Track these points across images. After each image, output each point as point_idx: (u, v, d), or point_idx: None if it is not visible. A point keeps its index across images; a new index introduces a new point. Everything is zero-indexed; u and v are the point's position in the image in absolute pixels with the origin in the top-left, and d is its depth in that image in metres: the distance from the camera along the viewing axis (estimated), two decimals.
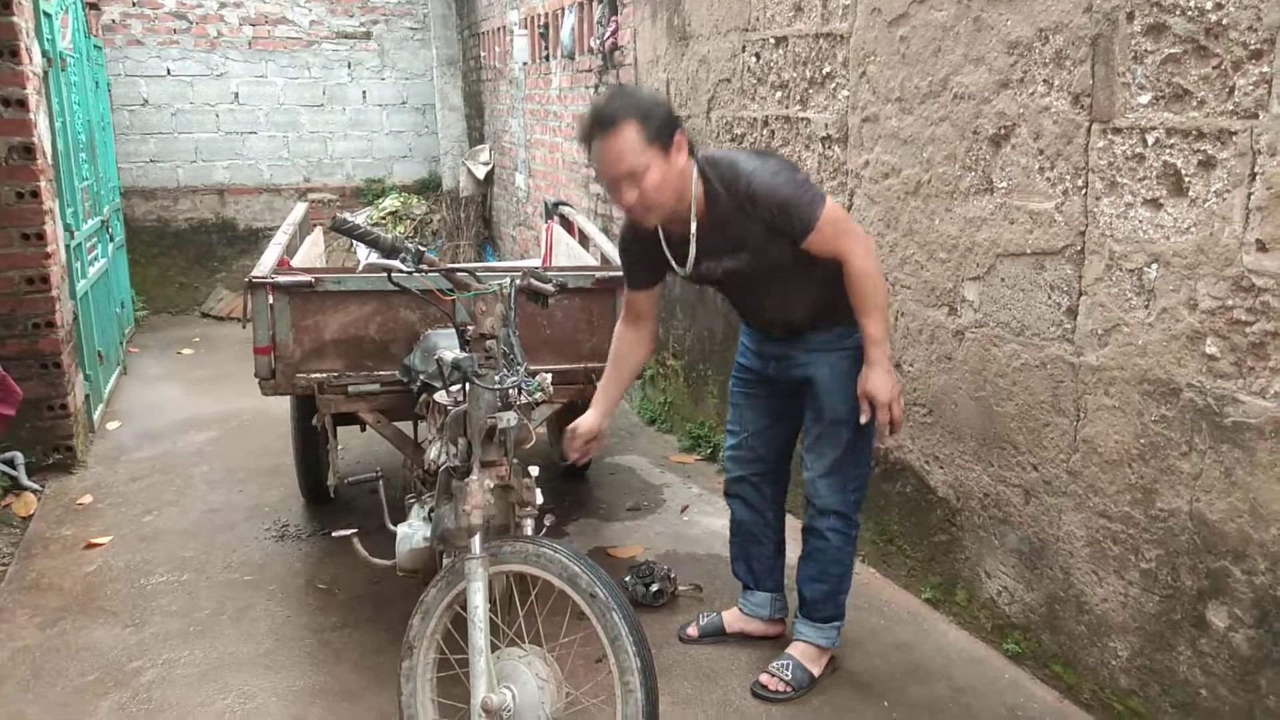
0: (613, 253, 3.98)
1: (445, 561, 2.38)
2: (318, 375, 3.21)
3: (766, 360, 2.76)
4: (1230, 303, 2.15)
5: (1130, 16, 2.28)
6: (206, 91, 8.68)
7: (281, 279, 3.16)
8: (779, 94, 3.78)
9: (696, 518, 3.99)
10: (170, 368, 6.62)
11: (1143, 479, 2.41)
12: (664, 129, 2.33)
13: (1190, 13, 2.14)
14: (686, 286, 4.74)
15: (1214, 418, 2.21)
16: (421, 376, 2.91)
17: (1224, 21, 2.07)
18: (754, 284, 2.59)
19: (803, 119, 3.64)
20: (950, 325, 3.01)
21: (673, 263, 2.58)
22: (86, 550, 3.74)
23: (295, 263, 3.96)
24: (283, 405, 4.12)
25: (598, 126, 2.32)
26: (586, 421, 2.68)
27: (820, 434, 2.69)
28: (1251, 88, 2.05)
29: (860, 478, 2.75)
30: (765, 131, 3.90)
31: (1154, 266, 2.31)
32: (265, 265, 3.41)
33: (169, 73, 8.56)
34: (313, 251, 4.72)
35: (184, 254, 8.75)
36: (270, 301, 3.16)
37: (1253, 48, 2.03)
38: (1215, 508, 2.23)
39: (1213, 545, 2.25)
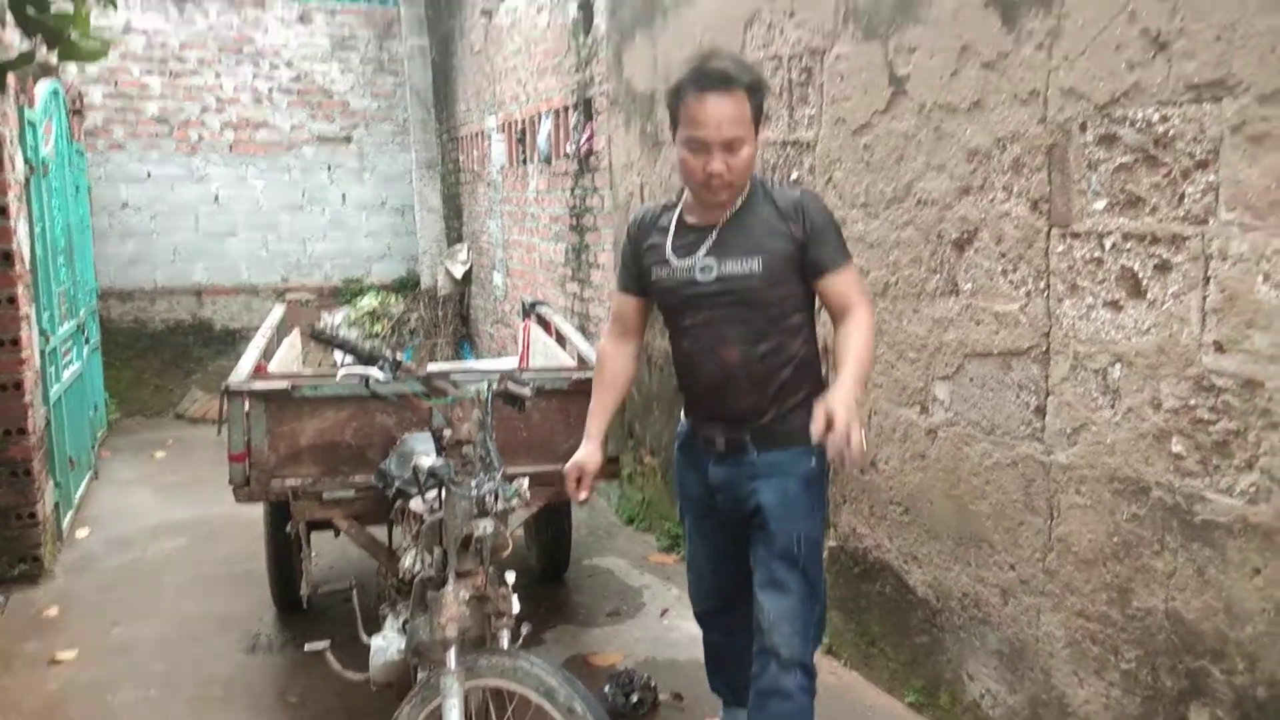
0: (590, 353, 4.02)
1: (420, 675, 2.33)
2: (292, 481, 3.19)
3: (712, 491, 2.49)
4: (1193, 402, 2.19)
5: (1083, 127, 2.38)
6: (186, 194, 8.78)
7: (258, 386, 3.16)
8: None
9: (677, 622, 3.94)
10: (143, 471, 6.54)
11: (1118, 578, 2.41)
12: (761, 111, 2.25)
13: (1139, 124, 2.24)
14: (665, 383, 4.78)
15: (1184, 516, 2.23)
16: (397, 482, 2.90)
17: (1170, 133, 2.17)
18: (739, 312, 2.32)
19: None
20: (923, 424, 3.04)
21: (670, 254, 2.36)
22: (51, 666, 3.64)
23: (272, 366, 3.97)
24: (256, 510, 4.07)
25: (712, 80, 2.18)
26: (590, 458, 2.48)
27: (774, 569, 2.38)
28: (1200, 195, 2.13)
29: (820, 618, 2.51)
30: None
31: (1117, 366, 2.36)
32: (242, 371, 3.42)
33: (149, 176, 8.68)
34: (290, 354, 4.73)
35: (160, 355, 8.73)
36: (246, 408, 3.15)
37: (1198, 158, 2.11)
38: (1191, 606, 2.24)
39: (1191, 645, 2.25)
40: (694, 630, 3.75)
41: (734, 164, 2.21)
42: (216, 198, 8.88)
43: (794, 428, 2.32)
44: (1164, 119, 2.18)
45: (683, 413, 2.58)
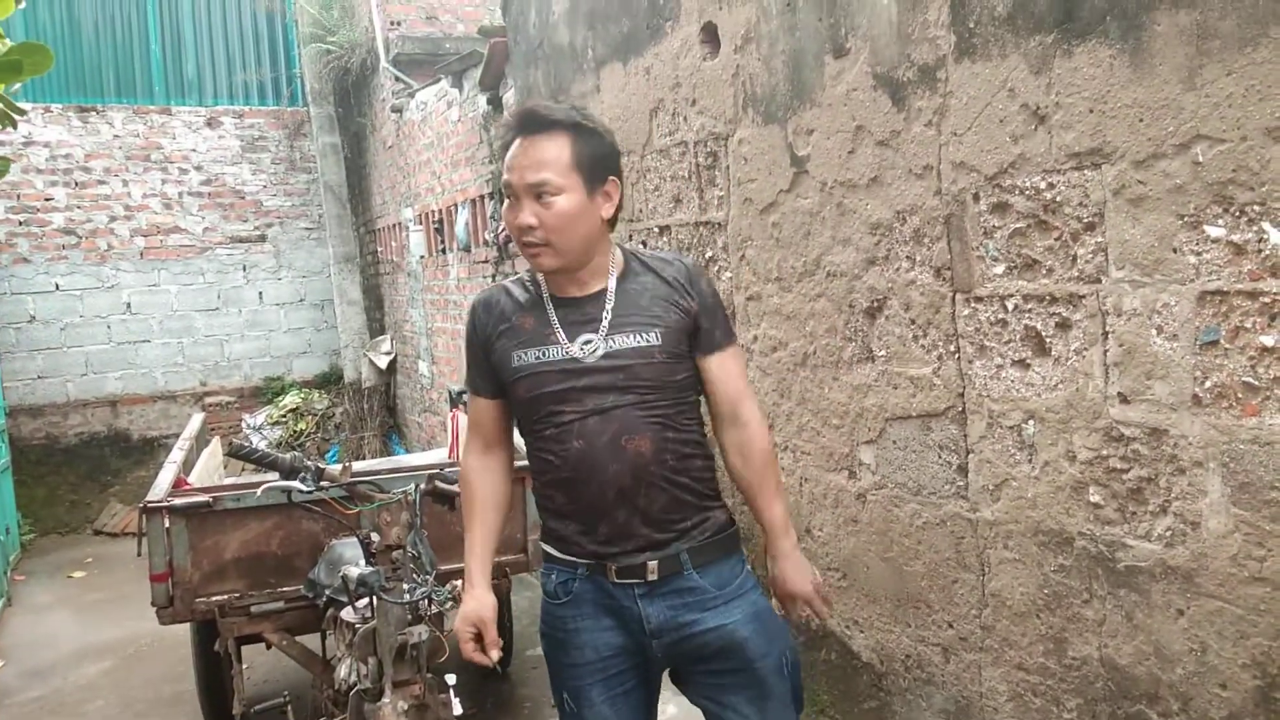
0: (520, 441, 4.00)
1: None
2: (218, 598, 3.10)
3: (649, 637, 1.97)
4: (1105, 452, 2.27)
5: (976, 197, 2.49)
6: (97, 304, 8.59)
7: (178, 502, 3.08)
8: None
9: None
10: (60, 594, 6.26)
11: (1052, 628, 2.46)
12: (599, 165, 1.92)
13: (1028, 192, 2.35)
14: None
15: (1108, 563, 2.30)
16: (327, 591, 2.83)
17: (1058, 199, 2.28)
18: (639, 395, 1.93)
19: None
20: (852, 488, 3.09)
21: (560, 333, 1.94)
22: None
23: (193, 478, 3.87)
24: (184, 627, 3.92)
25: (526, 125, 1.91)
26: (483, 608, 1.97)
27: (764, 705, 1.97)
28: (1091, 255, 2.23)
29: None
30: None
31: (1031, 423, 2.44)
32: (160, 487, 3.33)
33: (58, 288, 8.48)
34: (211, 463, 4.62)
35: (74, 470, 8.43)
36: (166, 525, 3.06)
37: (1086, 220, 2.23)
38: (1123, 652, 2.29)
39: (1127, 690, 2.29)
40: None
41: (546, 217, 1.86)
42: (129, 305, 8.70)
43: (723, 530, 2.02)
44: (1051, 186, 2.29)
45: (554, 550, 2.03)
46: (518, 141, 1.91)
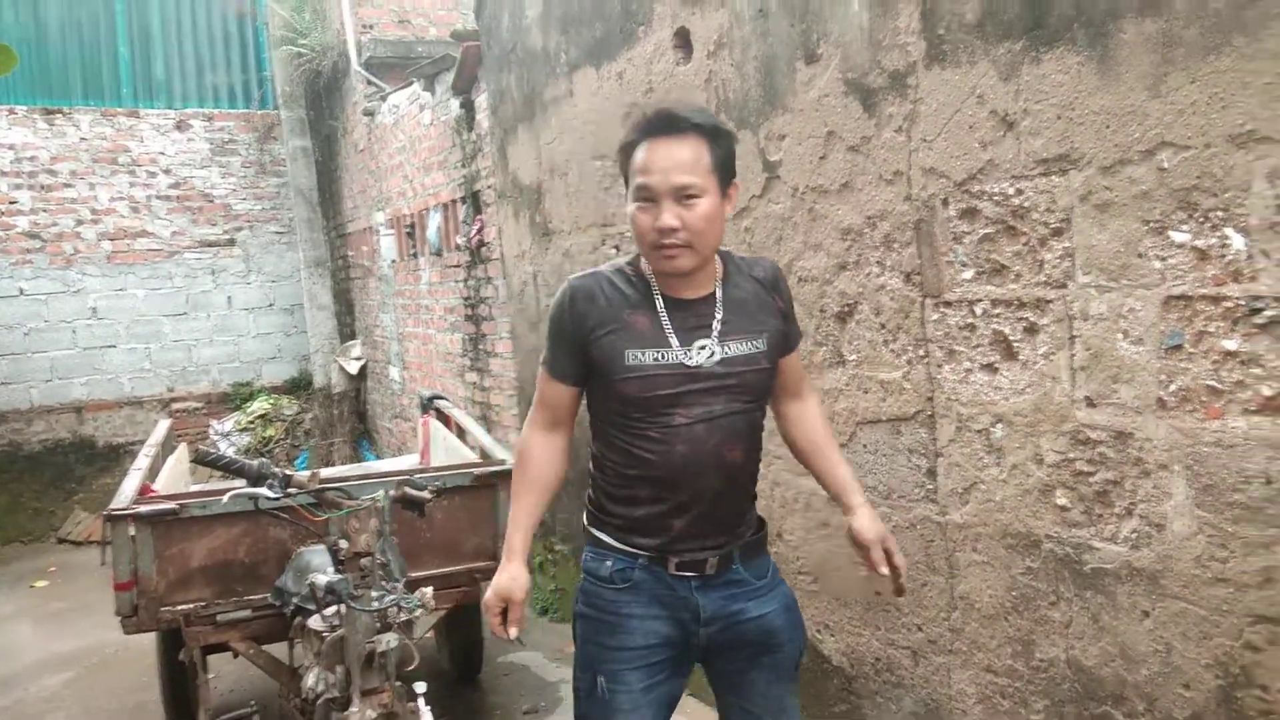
0: (492, 445, 3.98)
1: None
2: (184, 607, 3.05)
3: (695, 625, 2.02)
4: (1072, 456, 2.29)
5: (945, 202, 2.50)
6: (62, 309, 8.47)
7: (143, 509, 3.03)
8: None
9: None
10: (23, 603, 6.16)
11: (1020, 630, 2.48)
12: (728, 169, 1.94)
13: (996, 197, 2.37)
14: (574, 465, 4.74)
15: (1074, 566, 2.32)
16: (295, 599, 2.80)
17: (1026, 205, 2.30)
18: (743, 403, 1.99)
19: None
20: (823, 493, 3.09)
21: (675, 336, 1.94)
22: None
23: (159, 485, 3.82)
24: (149, 636, 3.87)
25: (664, 125, 1.88)
26: (516, 584, 1.97)
27: (784, 702, 2.08)
28: (1058, 260, 2.25)
29: None
30: None
31: (999, 426, 2.45)
32: (125, 495, 3.27)
33: (22, 292, 8.35)
34: (178, 470, 4.55)
35: (38, 477, 8.30)
36: (131, 533, 3.02)
37: (1053, 226, 2.25)
38: (1089, 654, 2.31)
39: (1093, 691, 2.31)
40: None
41: (690, 219, 1.86)
42: (95, 310, 8.58)
43: (762, 527, 2.13)
44: (1019, 192, 2.31)
45: (610, 538, 2.06)
46: (649, 143, 1.89)
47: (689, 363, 1.93)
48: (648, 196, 1.88)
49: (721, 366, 1.94)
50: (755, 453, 2.05)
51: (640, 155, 1.90)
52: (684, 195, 1.86)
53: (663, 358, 1.93)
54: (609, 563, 2.03)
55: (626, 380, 1.93)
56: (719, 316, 1.96)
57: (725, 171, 1.93)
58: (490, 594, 1.99)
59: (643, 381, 1.92)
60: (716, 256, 2.01)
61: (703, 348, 1.93)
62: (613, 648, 2.00)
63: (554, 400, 2.06)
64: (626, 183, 1.97)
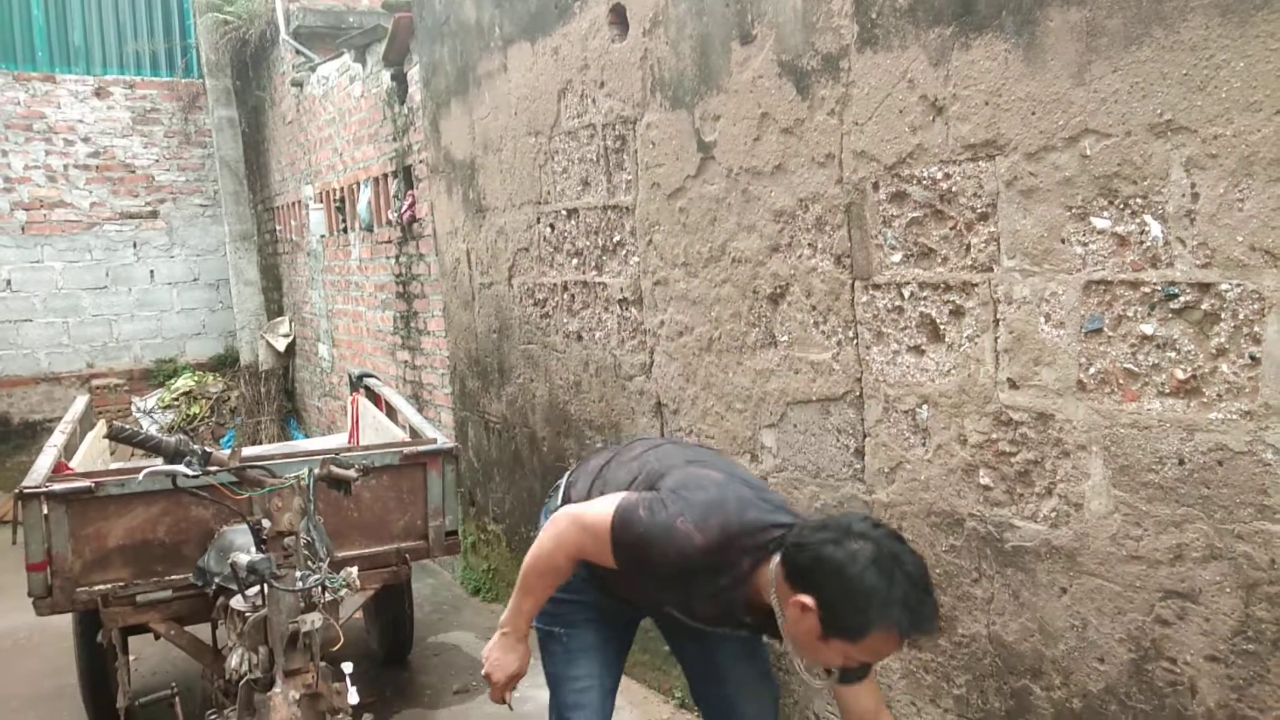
0: (422, 425, 3.94)
1: None
2: (101, 587, 2.97)
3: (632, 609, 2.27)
4: (994, 436, 2.34)
5: (875, 186, 2.53)
6: None
7: (56, 487, 2.93)
8: (575, 261, 3.92)
9: (529, 691, 3.83)
10: None
11: (943, 607, 2.52)
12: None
13: (925, 182, 2.40)
14: (504, 448, 4.73)
15: (996, 544, 2.37)
16: (217, 579, 2.74)
17: (953, 189, 2.33)
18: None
19: (599, 283, 3.78)
20: (755, 471, 3.11)
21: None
22: None
23: (76, 463, 3.70)
24: (66, 618, 3.76)
25: (925, 626, 1.80)
26: (523, 665, 2.17)
27: (763, 667, 2.31)
28: (984, 245, 2.29)
29: None
30: (566, 296, 4.02)
31: (925, 407, 2.50)
32: (39, 472, 3.17)
33: None
34: (97, 448, 4.42)
35: None
36: (45, 512, 2.92)
37: (979, 211, 2.28)
38: (1010, 629, 2.37)
39: (1013, 666, 2.37)
40: (548, 700, 3.69)
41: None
42: (9, 283, 8.27)
43: None
44: (947, 176, 2.34)
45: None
46: (902, 641, 1.81)
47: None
48: (853, 662, 1.89)
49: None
50: None
51: (886, 643, 1.80)
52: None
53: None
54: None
55: None
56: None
57: None
58: (500, 672, 2.14)
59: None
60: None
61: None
62: (575, 600, 2.23)
63: (595, 557, 2.07)
64: (839, 615, 1.78)
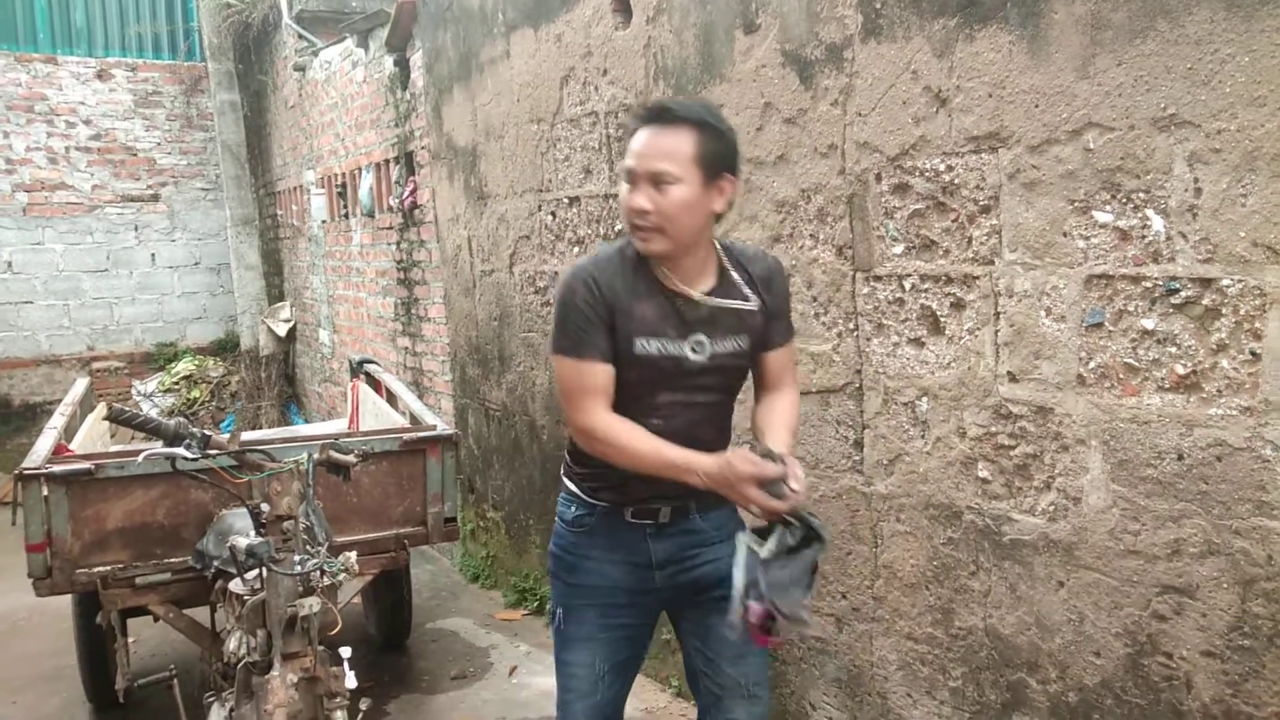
0: (422, 411, 3.94)
1: None
2: (100, 569, 2.98)
3: (653, 568, 2.15)
4: (994, 429, 2.34)
5: (878, 178, 2.52)
6: None
7: (56, 469, 2.94)
8: (577, 249, 3.92)
9: (527, 679, 3.87)
10: None
11: (940, 599, 2.54)
12: (717, 161, 1.97)
13: (928, 174, 2.39)
14: (504, 435, 4.73)
15: (994, 537, 2.38)
16: (216, 563, 2.75)
17: (955, 181, 2.33)
18: (719, 392, 2.12)
19: None
20: None
21: (674, 329, 2.03)
22: None
23: (76, 445, 3.71)
24: (65, 600, 3.77)
25: (654, 116, 1.98)
26: (729, 456, 1.91)
27: (741, 645, 2.09)
28: (986, 237, 2.29)
29: None
30: None
31: (924, 400, 2.50)
32: (39, 454, 3.17)
33: None
34: (97, 430, 4.42)
35: None
36: (45, 493, 2.93)
37: (982, 203, 2.28)
38: (1006, 622, 2.37)
39: (1009, 659, 2.38)
40: (544, 685, 3.72)
41: (661, 204, 1.92)
42: (10, 265, 8.27)
43: None
44: (949, 168, 2.34)
45: (578, 490, 2.18)
46: (644, 130, 1.98)
47: (687, 356, 2.02)
48: (630, 179, 1.98)
49: (710, 361, 2.04)
50: (725, 434, 2.15)
51: (634, 140, 1.99)
52: (659, 181, 1.94)
53: (664, 349, 2.02)
54: (573, 509, 2.19)
55: (631, 367, 2.02)
56: (713, 311, 2.03)
57: (712, 165, 1.97)
58: (743, 482, 1.86)
59: (644, 370, 2.02)
60: (718, 249, 2.08)
61: (699, 343, 2.03)
62: (572, 584, 2.18)
63: (603, 383, 2.03)
64: None
